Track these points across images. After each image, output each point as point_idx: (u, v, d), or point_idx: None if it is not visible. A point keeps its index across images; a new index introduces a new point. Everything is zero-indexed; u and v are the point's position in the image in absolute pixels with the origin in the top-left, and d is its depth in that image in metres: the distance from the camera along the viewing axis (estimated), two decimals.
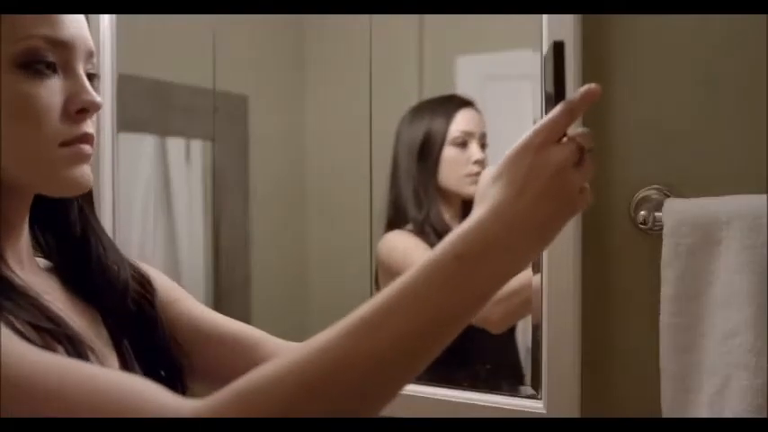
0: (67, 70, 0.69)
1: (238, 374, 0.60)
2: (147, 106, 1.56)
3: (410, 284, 0.58)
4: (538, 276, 1.05)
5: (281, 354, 0.80)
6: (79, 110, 0.68)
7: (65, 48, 0.68)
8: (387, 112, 1.33)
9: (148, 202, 1.61)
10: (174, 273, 1.59)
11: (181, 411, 0.55)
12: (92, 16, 1.40)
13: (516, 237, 0.60)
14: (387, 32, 1.31)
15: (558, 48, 0.66)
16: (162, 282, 0.84)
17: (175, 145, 1.63)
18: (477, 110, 1.30)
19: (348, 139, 1.42)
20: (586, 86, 0.63)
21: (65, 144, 0.68)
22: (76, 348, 0.66)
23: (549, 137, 0.62)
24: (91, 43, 0.72)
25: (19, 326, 0.63)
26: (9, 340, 0.56)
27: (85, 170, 0.70)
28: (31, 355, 0.57)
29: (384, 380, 0.58)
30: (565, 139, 0.63)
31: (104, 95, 1.41)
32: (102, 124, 1.40)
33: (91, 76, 0.71)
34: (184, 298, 0.85)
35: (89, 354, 0.68)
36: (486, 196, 0.62)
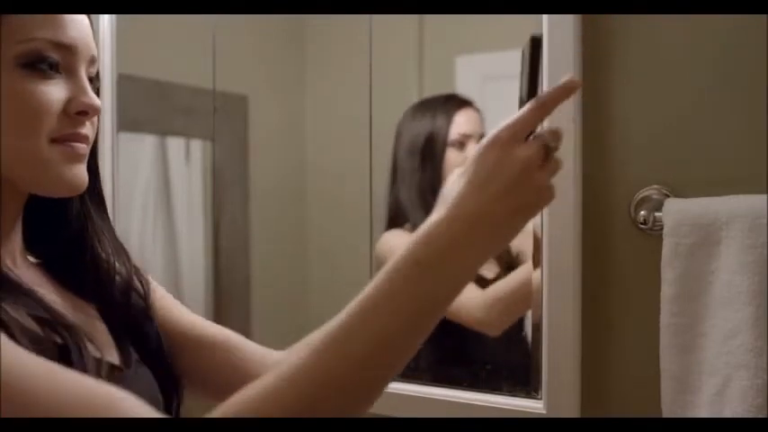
0: (70, 72, 0.69)
1: (213, 377, 0.60)
2: (147, 106, 1.56)
3: (372, 296, 0.60)
4: (538, 274, 1.05)
5: (255, 359, 0.83)
6: (78, 111, 0.69)
7: (67, 50, 0.69)
8: (387, 111, 1.33)
9: (148, 201, 1.61)
10: (174, 273, 1.59)
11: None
12: (92, 16, 1.41)
13: (477, 234, 0.60)
14: (387, 32, 1.31)
15: (535, 42, 0.65)
16: (155, 289, 0.85)
17: (175, 145, 1.63)
18: (476, 109, 1.30)
19: (348, 138, 1.42)
20: (565, 78, 0.63)
21: (55, 141, 0.68)
22: (74, 337, 0.66)
23: (517, 133, 0.62)
24: (94, 48, 0.72)
25: (17, 316, 0.63)
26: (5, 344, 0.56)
27: (79, 170, 0.70)
28: (22, 357, 0.56)
29: (359, 390, 0.59)
30: (532, 137, 0.63)
31: (104, 95, 1.41)
32: (102, 124, 1.39)
33: (92, 80, 0.72)
34: (172, 306, 0.86)
35: (87, 343, 0.67)
36: (451, 192, 0.62)
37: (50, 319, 0.66)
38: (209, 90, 1.48)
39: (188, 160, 1.63)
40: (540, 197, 0.63)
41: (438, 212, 0.61)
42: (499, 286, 1.20)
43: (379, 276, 0.60)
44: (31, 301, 0.66)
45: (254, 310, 1.55)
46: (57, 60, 0.68)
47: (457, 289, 0.61)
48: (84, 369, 0.64)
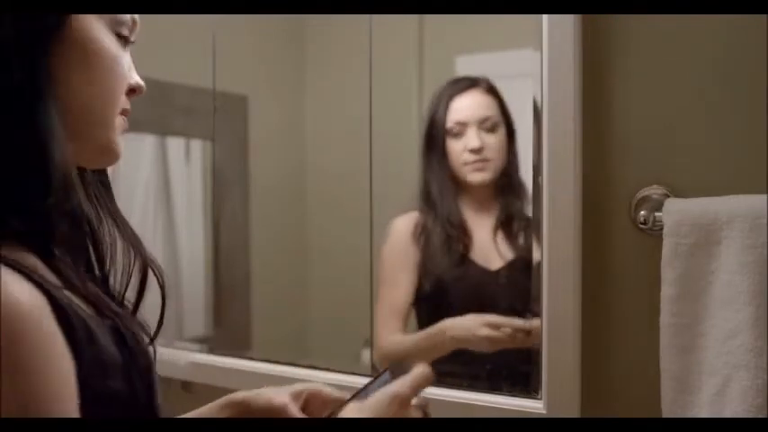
0: (127, 49, 0.70)
1: None
2: (147, 106, 1.55)
3: None
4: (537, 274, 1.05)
5: None
6: (131, 89, 0.70)
7: (133, 27, 0.70)
8: (387, 112, 1.33)
9: (148, 201, 1.61)
10: (175, 273, 1.59)
11: None
12: None
13: None
14: (387, 32, 1.31)
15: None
16: None
17: (175, 145, 1.63)
18: (484, 90, 1.26)
19: (348, 139, 1.42)
20: (422, 371, 0.74)
21: (121, 113, 0.69)
22: (124, 323, 0.63)
23: (412, 397, 0.72)
24: None
25: (83, 306, 0.60)
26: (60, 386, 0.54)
27: (122, 144, 0.71)
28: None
29: None
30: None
31: None
32: None
33: None
34: None
35: (136, 330, 0.66)
36: None
37: (100, 305, 0.63)
38: (209, 90, 1.48)
39: (188, 160, 1.63)
40: None
41: None
42: (407, 346, 1.29)
43: None
44: (75, 285, 0.62)
45: (254, 310, 1.55)
46: (129, 34, 0.69)
47: None
48: (145, 353, 0.64)
